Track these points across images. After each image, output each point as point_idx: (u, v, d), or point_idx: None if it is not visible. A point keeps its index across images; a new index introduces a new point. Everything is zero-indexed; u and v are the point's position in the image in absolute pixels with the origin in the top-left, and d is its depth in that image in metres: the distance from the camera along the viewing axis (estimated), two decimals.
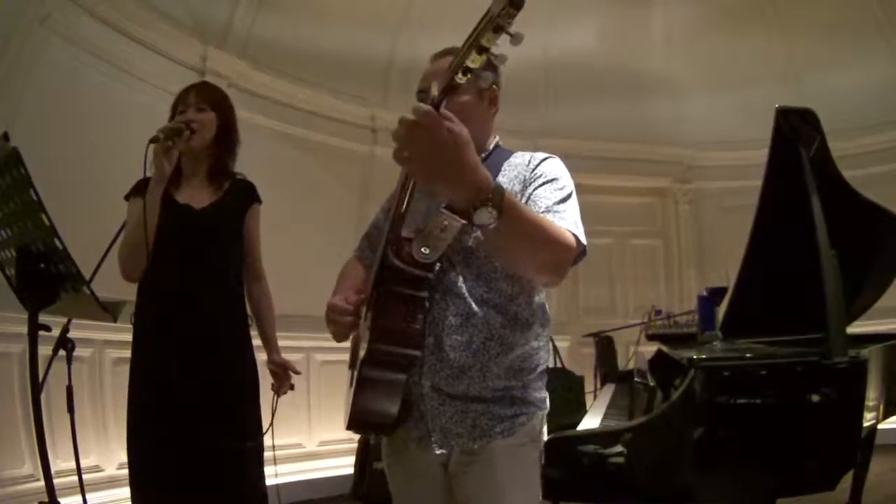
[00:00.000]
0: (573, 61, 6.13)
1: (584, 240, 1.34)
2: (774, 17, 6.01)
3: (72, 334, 1.85)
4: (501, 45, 1.00)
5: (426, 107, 1.05)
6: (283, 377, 2.39)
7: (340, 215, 5.15)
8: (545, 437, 1.49)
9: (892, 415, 2.34)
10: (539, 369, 1.45)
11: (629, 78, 6.31)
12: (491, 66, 1.11)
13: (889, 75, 5.88)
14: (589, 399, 4.13)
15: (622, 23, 6.12)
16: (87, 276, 1.67)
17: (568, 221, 1.33)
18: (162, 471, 2.05)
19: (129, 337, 3.84)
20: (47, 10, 3.63)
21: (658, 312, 4.96)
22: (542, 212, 1.33)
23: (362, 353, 1.30)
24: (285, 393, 2.40)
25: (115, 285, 2.06)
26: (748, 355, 1.92)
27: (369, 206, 5.12)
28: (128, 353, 3.86)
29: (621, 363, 4.94)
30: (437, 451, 1.35)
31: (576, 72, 6.18)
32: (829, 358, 1.80)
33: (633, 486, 1.77)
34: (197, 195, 2.26)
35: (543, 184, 1.40)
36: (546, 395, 1.49)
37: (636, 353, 4.82)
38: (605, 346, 5.09)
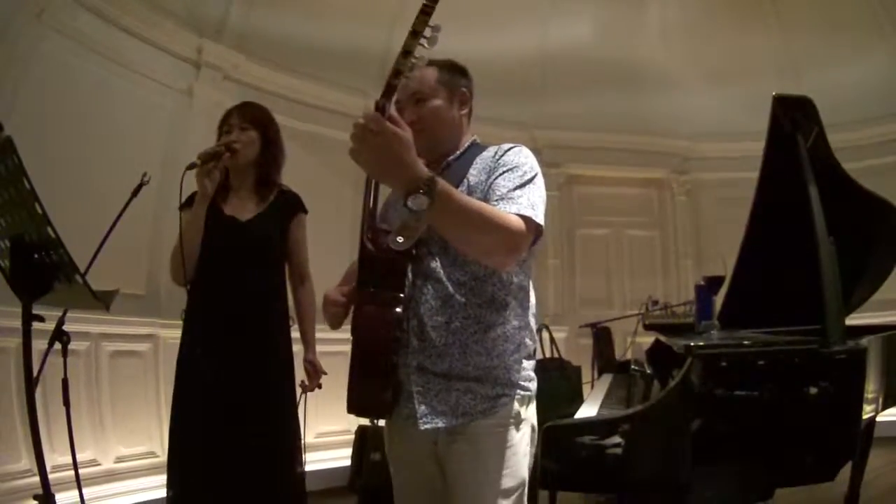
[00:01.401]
0: (570, 53, 6.12)
1: (539, 220, 1.40)
2: (772, 10, 5.99)
3: (67, 327, 1.84)
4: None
5: (374, 113, 1.20)
6: (313, 377, 2.60)
7: (337, 208, 5.12)
8: (533, 420, 1.52)
9: (890, 406, 2.34)
10: (523, 350, 1.50)
11: (626, 69, 6.29)
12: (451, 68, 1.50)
13: (888, 68, 5.87)
14: (586, 389, 4.13)
15: (619, 15, 6.11)
16: (83, 268, 1.67)
17: (521, 205, 1.39)
18: (206, 460, 2.22)
19: (124, 331, 3.99)
20: (42, 4, 3.61)
21: (655, 303, 4.95)
22: (497, 199, 1.41)
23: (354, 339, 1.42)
24: (311, 391, 2.63)
25: (109, 278, 2.05)
26: (746, 343, 1.91)
27: None
28: (124, 347, 4.00)
29: (619, 354, 4.93)
30: (423, 427, 1.42)
31: (573, 63, 6.16)
32: (828, 345, 1.79)
33: (629, 474, 1.77)
34: (243, 207, 2.45)
35: (504, 173, 1.47)
36: (533, 378, 1.53)
37: (633, 343, 4.83)
38: (602, 337, 5.08)
